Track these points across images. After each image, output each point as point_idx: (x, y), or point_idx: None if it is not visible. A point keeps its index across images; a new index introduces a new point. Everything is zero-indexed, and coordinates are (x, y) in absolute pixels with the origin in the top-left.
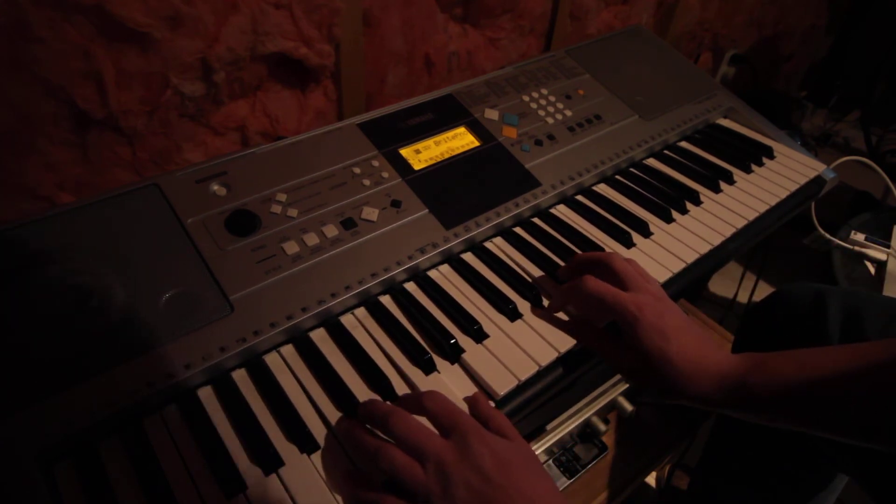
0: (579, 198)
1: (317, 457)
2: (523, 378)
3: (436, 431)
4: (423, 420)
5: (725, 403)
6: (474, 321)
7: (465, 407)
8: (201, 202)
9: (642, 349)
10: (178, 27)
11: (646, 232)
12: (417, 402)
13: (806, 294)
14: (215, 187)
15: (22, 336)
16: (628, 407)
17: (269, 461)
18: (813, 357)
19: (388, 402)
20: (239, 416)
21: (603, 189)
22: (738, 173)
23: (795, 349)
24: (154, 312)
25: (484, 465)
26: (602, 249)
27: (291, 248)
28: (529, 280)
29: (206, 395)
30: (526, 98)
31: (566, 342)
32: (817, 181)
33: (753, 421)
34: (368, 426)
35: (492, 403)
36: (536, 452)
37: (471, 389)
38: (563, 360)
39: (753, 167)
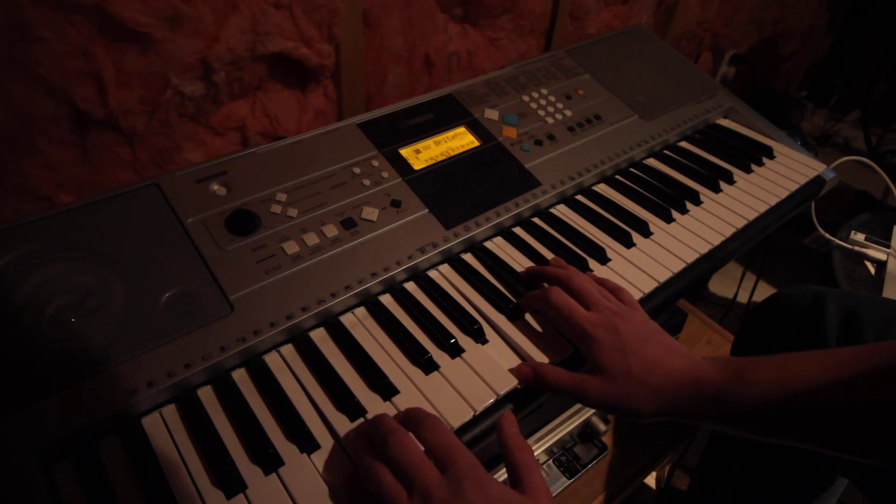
0: (579, 197)
1: (316, 456)
2: None
3: (432, 463)
4: None
5: (701, 415)
6: (474, 321)
7: (460, 410)
8: (201, 202)
9: (602, 368)
10: (178, 27)
11: (646, 232)
12: (416, 429)
13: (804, 296)
14: (215, 187)
15: (21, 335)
16: None
17: (269, 461)
18: (794, 365)
19: (394, 420)
20: (239, 416)
21: (603, 189)
22: (738, 173)
23: (776, 354)
24: (154, 312)
25: None
26: (602, 249)
27: (291, 247)
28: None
29: (206, 394)
30: (526, 98)
31: (567, 344)
32: (817, 181)
33: (733, 434)
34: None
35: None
36: (536, 453)
37: (470, 388)
38: (564, 360)
39: (753, 167)
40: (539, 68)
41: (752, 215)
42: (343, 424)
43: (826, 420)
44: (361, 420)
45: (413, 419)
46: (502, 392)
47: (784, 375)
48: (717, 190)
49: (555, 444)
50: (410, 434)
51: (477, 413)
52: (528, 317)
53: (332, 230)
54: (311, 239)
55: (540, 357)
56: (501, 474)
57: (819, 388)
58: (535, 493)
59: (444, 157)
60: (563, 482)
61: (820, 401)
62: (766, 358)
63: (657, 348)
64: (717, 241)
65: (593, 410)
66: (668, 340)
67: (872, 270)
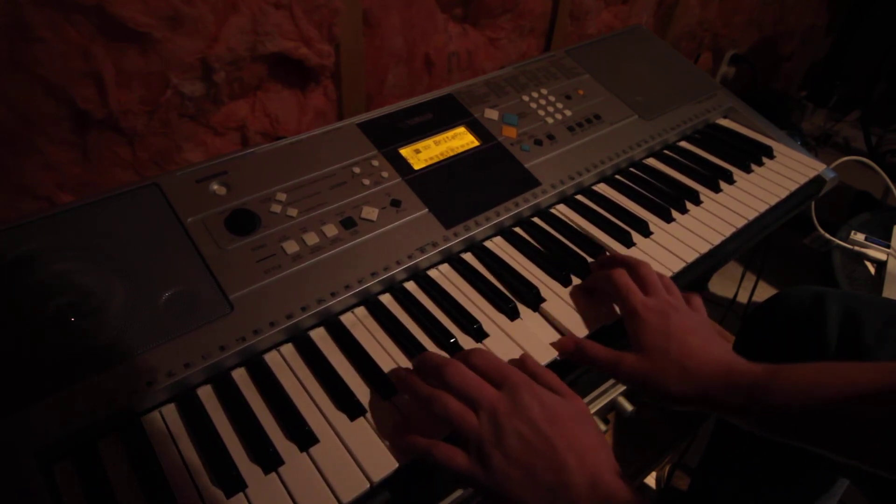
0: (579, 197)
1: (316, 455)
2: None
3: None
4: None
5: (731, 405)
6: (474, 320)
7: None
8: (201, 202)
9: (642, 347)
10: (178, 27)
11: (645, 231)
12: (465, 359)
13: (805, 297)
14: (215, 187)
15: (21, 335)
16: (628, 407)
17: (269, 460)
18: (836, 369)
19: (439, 356)
20: (238, 415)
21: (603, 189)
22: (737, 173)
23: (827, 361)
24: (154, 311)
25: (533, 417)
26: (602, 250)
27: (291, 247)
28: (529, 279)
29: (206, 393)
30: (526, 98)
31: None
32: (817, 181)
33: (764, 433)
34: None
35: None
36: None
37: None
38: (561, 360)
39: (753, 167)
40: (539, 68)
41: (752, 215)
42: (343, 423)
43: (860, 430)
44: (361, 419)
45: (459, 356)
46: None
47: (824, 379)
48: (717, 190)
49: None
50: (460, 362)
51: None
52: (526, 316)
53: (331, 230)
54: (311, 238)
55: (541, 356)
56: None
57: (860, 396)
58: (569, 396)
59: (444, 157)
60: None
61: (859, 409)
62: (807, 363)
63: (701, 340)
64: (717, 240)
65: (594, 410)
66: (716, 337)
67: (872, 270)
